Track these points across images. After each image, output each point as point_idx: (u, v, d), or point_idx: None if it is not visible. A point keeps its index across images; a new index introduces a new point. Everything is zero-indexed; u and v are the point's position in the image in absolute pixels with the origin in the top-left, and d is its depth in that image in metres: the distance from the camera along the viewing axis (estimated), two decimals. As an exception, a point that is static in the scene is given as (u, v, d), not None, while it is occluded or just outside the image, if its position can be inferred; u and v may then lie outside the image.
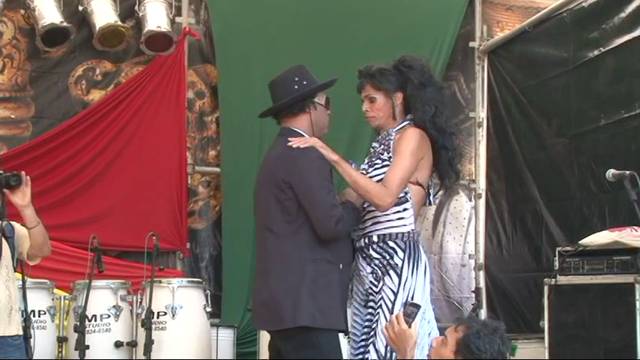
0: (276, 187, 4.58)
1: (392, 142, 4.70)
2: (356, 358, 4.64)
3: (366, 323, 4.63)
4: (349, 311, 4.81)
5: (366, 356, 4.55)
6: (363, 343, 4.62)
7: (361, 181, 4.59)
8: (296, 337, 4.52)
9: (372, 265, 4.63)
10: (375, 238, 4.65)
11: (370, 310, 4.61)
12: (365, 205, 4.70)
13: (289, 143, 4.58)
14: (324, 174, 4.55)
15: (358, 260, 4.72)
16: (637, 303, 5.80)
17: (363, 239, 4.70)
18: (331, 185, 4.56)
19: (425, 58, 4.93)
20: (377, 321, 4.55)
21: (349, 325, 4.75)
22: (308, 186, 4.51)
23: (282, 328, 4.56)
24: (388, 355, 4.47)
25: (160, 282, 6.53)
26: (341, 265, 4.60)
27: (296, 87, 4.69)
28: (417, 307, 4.27)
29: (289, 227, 4.56)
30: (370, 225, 4.69)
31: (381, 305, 4.55)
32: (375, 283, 4.61)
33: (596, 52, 7.46)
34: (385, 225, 4.64)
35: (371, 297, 4.63)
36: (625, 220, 6.30)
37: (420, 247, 4.68)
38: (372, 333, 4.56)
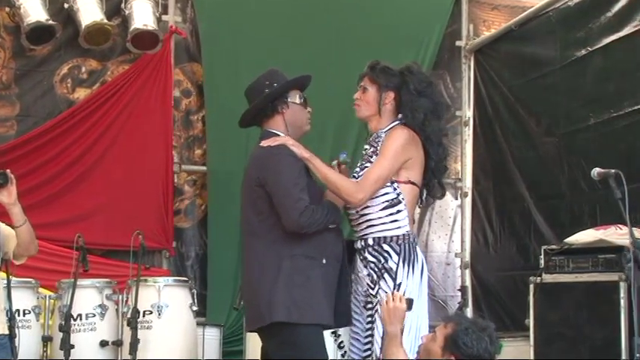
0: (250, 187, 4.62)
1: (380, 143, 4.71)
2: (364, 358, 4.66)
3: (368, 325, 4.64)
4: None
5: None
6: (368, 346, 4.64)
7: (332, 178, 4.60)
8: (276, 335, 4.52)
9: (369, 268, 4.65)
10: (370, 241, 4.65)
11: (370, 312, 4.63)
12: (358, 209, 4.71)
13: (261, 143, 4.60)
14: (292, 170, 4.53)
15: (357, 262, 4.73)
16: (621, 301, 5.83)
17: (359, 241, 4.71)
18: (299, 180, 4.53)
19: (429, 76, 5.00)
20: (375, 326, 4.57)
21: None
22: (276, 180, 4.51)
23: (260, 325, 4.57)
24: (382, 356, 4.49)
25: (146, 281, 6.50)
26: (324, 260, 4.58)
27: (267, 90, 4.71)
28: (410, 306, 4.30)
29: (263, 226, 4.57)
30: (365, 228, 4.69)
31: (377, 310, 4.56)
32: (372, 286, 4.62)
33: (583, 52, 7.48)
34: (379, 228, 4.64)
35: (369, 299, 4.64)
36: (616, 218, 6.31)
37: (417, 249, 4.68)
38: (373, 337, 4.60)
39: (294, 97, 4.76)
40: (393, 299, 4.28)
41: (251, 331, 5.06)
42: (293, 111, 4.74)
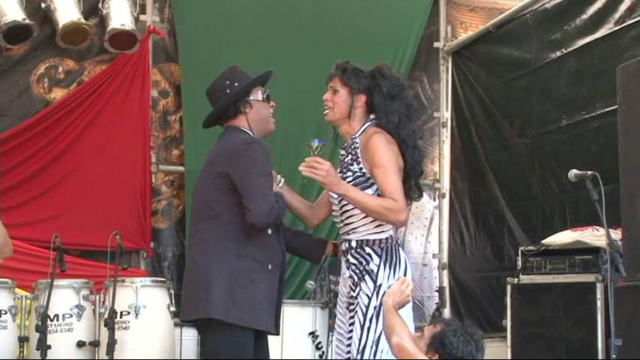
0: (212, 179, 4.62)
1: (358, 149, 4.73)
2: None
3: (350, 327, 4.66)
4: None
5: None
6: (351, 347, 4.64)
7: (372, 205, 4.60)
8: (211, 329, 4.53)
9: (350, 270, 4.69)
10: (353, 244, 4.69)
11: (352, 314, 4.65)
12: (340, 213, 4.74)
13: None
14: (264, 166, 4.57)
15: (341, 264, 4.77)
16: (598, 302, 5.88)
17: (343, 244, 4.74)
18: (270, 178, 4.58)
19: (401, 74, 4.99)
20: (354, 328, 4.59)
21: (336, 326, 4.81)
22: (246, 174, 4.52)
23: (196, 317, 4.58)
24: (358, 356, 4.52)
25: (124, 281, 6.47)
26: (270, 266, 4.60)
27: (228, 91, 4.71)
28: None
29: (217, 221, 4.57)
30: (349, 231, 4.72)
31: (357, 311, 4.60)
32: (354, 288, 4.65)
33: (558, 54, 7.54)
34: (363, 233, 4.69)
35: (351, 300, 4.67)
36: (586, 219, 6.38)
37: (400, 252, 4.71)
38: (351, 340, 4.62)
39: (257, 95, 4.77)
40: (408, 288, 4.25)
41: (185, 321, 5.03)
42: (256, 109, 4.75)
